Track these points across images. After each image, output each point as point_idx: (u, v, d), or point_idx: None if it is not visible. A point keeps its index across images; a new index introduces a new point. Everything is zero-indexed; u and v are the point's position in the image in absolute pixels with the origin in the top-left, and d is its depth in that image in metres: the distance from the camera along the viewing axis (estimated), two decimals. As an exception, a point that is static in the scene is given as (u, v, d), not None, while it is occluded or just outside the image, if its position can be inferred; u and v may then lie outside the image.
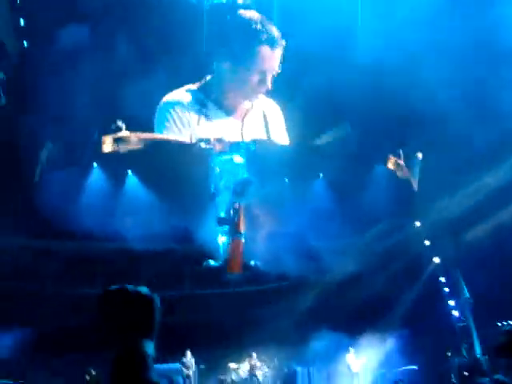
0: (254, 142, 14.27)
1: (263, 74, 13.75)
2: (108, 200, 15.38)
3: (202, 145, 13.72)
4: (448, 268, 16.17)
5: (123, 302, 2.00)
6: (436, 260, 16.44)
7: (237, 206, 13.43)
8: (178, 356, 14.10)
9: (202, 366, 14.32)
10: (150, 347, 1.98)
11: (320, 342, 14.46)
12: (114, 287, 2.02)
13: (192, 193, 14.15)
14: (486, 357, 12.91)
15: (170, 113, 14.03)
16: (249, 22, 13.47)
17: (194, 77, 14.50)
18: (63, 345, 14.54)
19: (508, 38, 13.52)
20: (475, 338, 14.49)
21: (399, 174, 15.11)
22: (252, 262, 15.05)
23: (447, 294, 15.96)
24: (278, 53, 13.65)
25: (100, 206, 15.00)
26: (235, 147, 14.07)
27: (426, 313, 15.24)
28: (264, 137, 14.61)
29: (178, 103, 14.13)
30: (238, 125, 14.45)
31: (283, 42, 13.59)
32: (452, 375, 13.44)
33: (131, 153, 13.74)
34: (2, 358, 13.55)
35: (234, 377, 14.50)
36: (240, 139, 14.30)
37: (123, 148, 13.57)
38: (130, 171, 16.02)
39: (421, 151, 15.27)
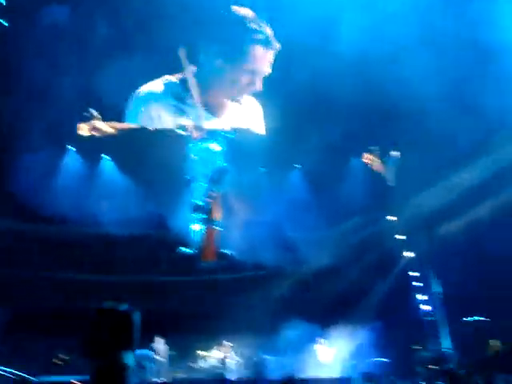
0: (232, 130, 14.17)
1: (254, 74, 13.55)
2: (84, 183, 15.25)
3: (179, 132, 13.61)
4: (420, 262, 16.33)
5: (105, 318, 2.27)
6: (409, 254, 16.59)
7: (213, 194, 13.42)
8: (150, 342, 14.10)
9: (173, 353, 14.35)
10: (129, 359, 2.22)
11: (292, 332, 14.57)
12: (97, 307, 2.32)
13: (168, 179, 14.05)
14: (453, 351, 13.10)
15: (142, 111, 13.61)
16: (243, 20, 13.23)
17: (174, 66, 13.88)
18: (37, 327, 14.54)
19: (492, 35, 13.51)
20: (444, 333, 14.67)
21: (374, 168, 15.15)
22: (228, 251, 15.07)
23: (417, 287, 16.13)
24: (271, 54, 13.45)
25: (75, 190, 14.89)
26: (213, 135, 13.98)
27: (399, 306, 15.41)
28: (242, 126, 14.51)
29: (154, 97, 13.63)
30: (215, 123, 14.21)
31: (278, 45, 13.35)
32: (417, 368, 13.61)
33: (107, 138, 13.60)
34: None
35: (203, 364, 14.55)
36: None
37: (99, 134, 13.42)
38: (105, 156, 15.87)
39: (401, 147, 15.30)
